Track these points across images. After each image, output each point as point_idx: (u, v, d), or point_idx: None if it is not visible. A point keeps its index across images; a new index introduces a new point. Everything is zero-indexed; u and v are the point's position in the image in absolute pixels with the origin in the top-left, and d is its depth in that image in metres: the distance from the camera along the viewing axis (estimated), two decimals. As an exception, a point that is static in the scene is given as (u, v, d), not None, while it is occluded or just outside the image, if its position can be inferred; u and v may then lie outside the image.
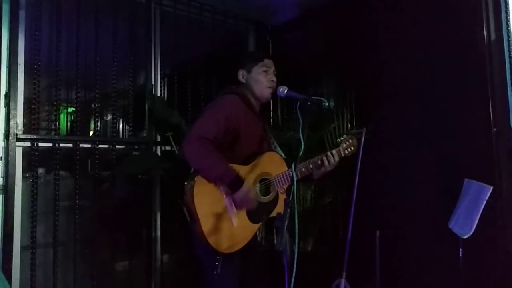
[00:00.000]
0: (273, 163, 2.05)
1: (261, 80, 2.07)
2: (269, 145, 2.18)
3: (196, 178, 1.87)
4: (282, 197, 2.04)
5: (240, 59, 2.17)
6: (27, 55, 2.84)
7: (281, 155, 2.14)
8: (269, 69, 2.10)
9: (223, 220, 1.87)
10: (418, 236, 2.78)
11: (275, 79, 2.10)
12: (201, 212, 1.84)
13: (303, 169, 2.02)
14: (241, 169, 1.94)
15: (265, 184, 2.01)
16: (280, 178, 2.02)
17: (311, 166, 2.04)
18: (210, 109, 1.98)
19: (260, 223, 2.00)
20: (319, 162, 2.03)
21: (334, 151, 2.06)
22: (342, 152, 2.09)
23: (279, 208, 2.02)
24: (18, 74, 2.77)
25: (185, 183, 1.92)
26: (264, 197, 2.00)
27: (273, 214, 2.04)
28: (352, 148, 2.12)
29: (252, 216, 1.96)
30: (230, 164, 1.89)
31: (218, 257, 1.85)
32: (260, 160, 2.00)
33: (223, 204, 1.89)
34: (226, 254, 1.88)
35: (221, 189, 1.90)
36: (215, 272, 1.84)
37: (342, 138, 2.14)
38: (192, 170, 1.94)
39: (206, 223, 1.84)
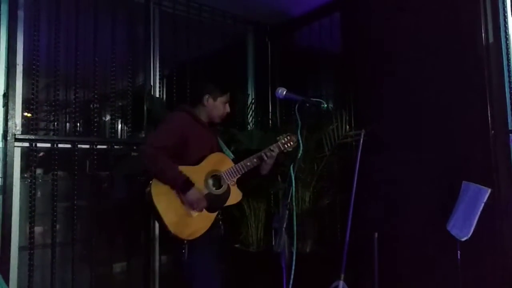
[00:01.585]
0: (220, 161, 2.34)
1: (221, 109, 2.40)
2: (219, 150, 2.44)
3: (151, 182, 2.15)
4: (233, 188, 2.33)
5: (208, 85, 2.43)
6: (26, 55, 2.84)
7: (229, 156, 2.43)
8: (228, 103, 2.43)
9: (182, 213, 2.16)
10: (416, 238, 2.78)
11: (229, 111, 2.45)
12: (161, 209, 2.13)
13: (248, 163, 2.31)
14: (191, 169, 2.21)
15: (217, 178, 2.30)
16: (228, 172, 2.31)
17: (255, 160, 2.33)
18: (161, 124, 2.33)
19: (216, 212, 2.28)
20: (264, 155, 2.32)
21: (274, 146, 2.34)
22: (281, 147, 2.35)
23: (232, 198, 2.32)
24: (17, 74, 2.77)
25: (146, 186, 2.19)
26: (218, 190, 2.28)
27: (228, 203, 2.31)
28: (292, 143, 2.37)
29: (209, 207, 2.22)
30: (181, 167, 2.17)
31: (183, 245, 2.12)
32: (207, 160, 2.29)
33: (180, 199, 2.17)
34: (191, 242, 2.14)
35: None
36: (182, 259, 2.12)
37: (280, 136, 2.40)
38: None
39: (166, 217, 2.12)
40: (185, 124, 2.28)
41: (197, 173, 2.22)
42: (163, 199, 2.15)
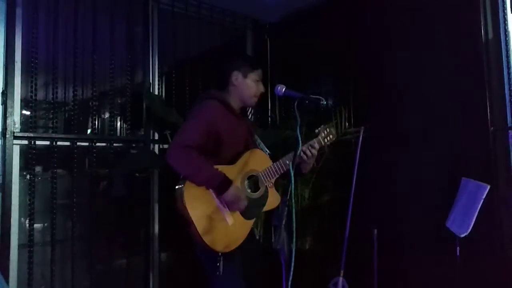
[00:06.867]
0: (257, 160, 2.08)
1: (253, 88, 2.12)
2: (254, 144, 2.20)
3: (185, 183, 1.90)
4: (271, 190, 2.08)
5: (235, 60, 2.16)
6: (24, 52, 2.82)
7: (265, 151, 2.17)
8: (261, 80, 2.16)
9: (217, 220, 1.91)
10: (415, 235, 2.79)
11: (263, 90, 2.17)
12: (194, 215, 1.87)
13: (288, 161, 2.03)
14: (227, 169, 1.97)
15: (253, 180, 2.04)
16: (266, 172, 2.05)
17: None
18: (190, 117, 2.03)
19: (254, 219, 2.04)
20: (303, 154, 2.06)
21: (314, 141, 2.10)
22: (322, 141, 2.12)
23: (270, 202, 2.07)
24: (15, 71, 2.76)
25: (176, 188, 1.95)
26: (254, 193, 2.04)
27: (266, 208, 2.08)
28: (331, 136, 2.15)
29: (246, 213, 1.99)
30: (216, 166, 1.94)
31: (218, 258, 1.88)
32: (244, 158, 2.04)
33: (215, 205, 1.93)
34: (226, 254, 1.91)
35: (211, 191, 1.94)
36: (217, 273, 1.87)
37: (319, 128, 2.16)
38: (181, 176, 1.97)
39: (200, 225, 1.87)
40: (217, 116, 1.99)
41: (232, 174, 1.96)
42: (197, 204, 1.89)
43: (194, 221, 1.86)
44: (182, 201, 1.88)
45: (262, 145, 2.20)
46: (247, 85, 2.10)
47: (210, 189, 1.94)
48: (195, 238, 1.90)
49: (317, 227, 3.51)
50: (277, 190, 2.19)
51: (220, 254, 1.89)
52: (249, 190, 2.03)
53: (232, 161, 2.02)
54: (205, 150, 1.95)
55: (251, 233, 2.08)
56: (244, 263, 2.04)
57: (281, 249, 1.64)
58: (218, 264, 1.87)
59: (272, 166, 2.06)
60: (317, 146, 2.09)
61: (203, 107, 2.04)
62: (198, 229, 1.86)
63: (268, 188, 2.07)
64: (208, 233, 1.87)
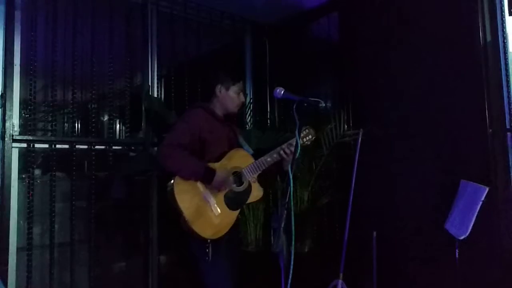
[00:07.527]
0: (240, 158, 2.31)
1: (235, 100, 2.37)
2: (238, 145, 2.42)
3: (173, 180, 2.15)
4: (254, 185, 2.30)
5: (219, 74, 2.40)
6: (23, 55, 2.83)
7: (249, 152, 2.38)
8: (242, 92, 2.42)
9: (204, 211, 2.15)
10: (414, 237, 2.79)
11: (244, 100, 2.45)
12: (184, 207, 2.11)
13: (269, 159, 2.27)
14: (213, 166, 2.20)
15: (237, 175, 2.27)
16: (249, 169, 2.28)
17: (275, 155, 2.27)
18: (177, 123, 2.33)
19: (238, 210, 2.27)
20: (283, 152, 2.26)
21: (293, 140, 2.26)
22: (300, 141, 2.24)
23: (254, 195, 2.30)
24: (14, 74, 2.77)
25: (167, 184, 2.20)
26: (239, 187, 2.26)
27: (249, 200, 2.30)
28: (310, 136, 2.35)
29: (231, 204, 2.22)
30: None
31: (207, 244, 2.11)
32: (228, 157, 2.28)
33: (202, 197, 2.17)
34: (214, 242, 2.13)
35: (199, 185, 2.17)
36: (207, 258, 2.10)
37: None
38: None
39: (189, 215, 2.11)
40: (200, 121, 2.26)
41: (217, 170, 2.19)
42: (186, 198, 2.13)
43: (183, 212, 2.10)
44: (173, 195, 2.12)
45: (246, 146, 2.43)
46: (229, 97, 2.36)
47: (198, 182, 2.16)
48: (186, 228, 2.11)
49: (316, 229, 3.51)
50: (276, 191, 2.22)
51: (208, 241, 2.11)
52: (234, 185, 2.24)
53: (217, 159, 2.26)
54: (193, 150, 2.19)
55: (236, 224, 2.29)
56: (231, 253, 2.27)
57: (280, 252, 1.64)
58: (207, 251, 2.10)
59: (253, 164, 2.28)
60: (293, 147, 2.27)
61: (187, 113, 2.35)
62: (187, 218, 2.10)
63: (251, 183, 2.28)
64: (196, 221, 2.11)
